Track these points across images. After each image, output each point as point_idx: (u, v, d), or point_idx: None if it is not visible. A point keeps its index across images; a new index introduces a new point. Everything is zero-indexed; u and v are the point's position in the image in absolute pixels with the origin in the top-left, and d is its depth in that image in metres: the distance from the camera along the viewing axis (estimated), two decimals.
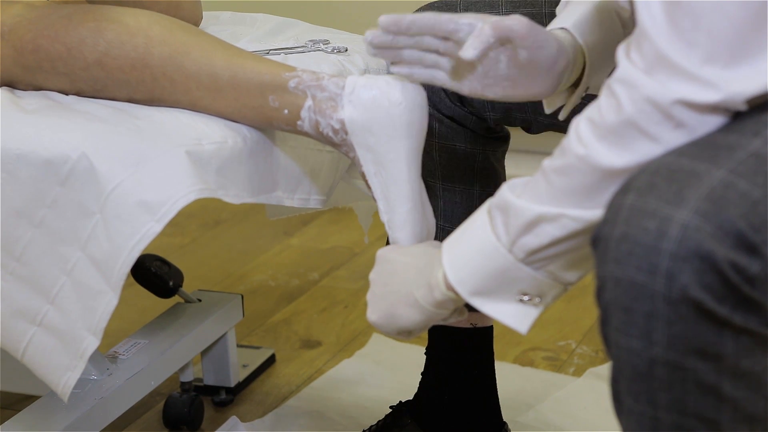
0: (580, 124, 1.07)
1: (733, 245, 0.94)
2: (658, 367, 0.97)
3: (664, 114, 1.01)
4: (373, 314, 1.28)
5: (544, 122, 1.62)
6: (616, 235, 0.97)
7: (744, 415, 0.98)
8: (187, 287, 1.94)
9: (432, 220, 1.39)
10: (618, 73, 1.04)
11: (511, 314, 1.17)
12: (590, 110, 1.06)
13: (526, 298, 1.16)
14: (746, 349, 0.96)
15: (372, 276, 1.29)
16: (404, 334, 1.27)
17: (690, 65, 0.99)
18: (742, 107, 1.01)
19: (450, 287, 1.18)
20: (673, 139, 1.01)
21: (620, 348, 0.98)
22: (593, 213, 1.07)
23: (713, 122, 1.01)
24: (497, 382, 1.68)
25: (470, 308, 1.22)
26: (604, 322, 0.99)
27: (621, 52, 1.04)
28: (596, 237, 0.99)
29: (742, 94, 0.99)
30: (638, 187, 0.98)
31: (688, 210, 0.95)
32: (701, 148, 0.99)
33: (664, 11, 1.00)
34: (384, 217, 1.36)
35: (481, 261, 1.15)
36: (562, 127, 1.48)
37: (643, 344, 0.96)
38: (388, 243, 1.41)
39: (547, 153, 1.12)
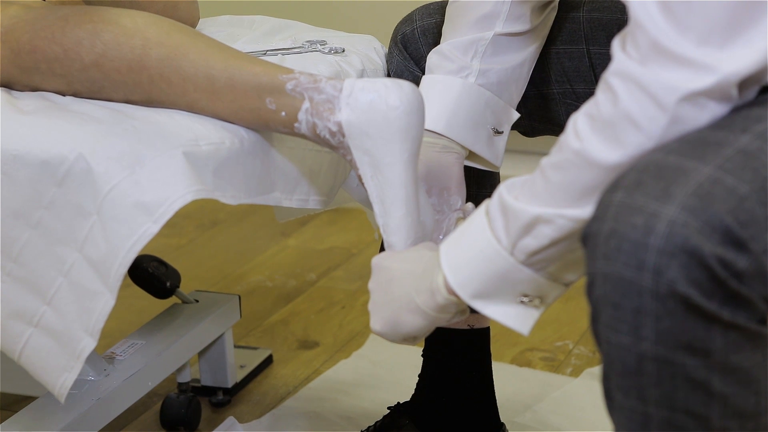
0: (578, 120, 1.07)
1: (720, 240, 0.94)
2: (647, 363, 0.97)
3: (659, 106, 1.01)
4: (376, 324, 1.27)
5: (539, 128, 1.63)
6: (605, 231, 0.97)
7: (734, 411, 0.98)
8: (185, 288, 1.94)
9: (430, 223, 1.39)
10: (613, 66, 1.05)
11: (512, 316, 1.17)
12: (588, 105, 1.07)
13: (526, 299, 1.16)
14: (735, 345, 0.96)
15: (371, 285, 1.29)
16: (409, 340, 1.27)
17: (684, 50, 1.00)
18: (735, 92, 1.01)
19: (451, 291, 1.18)
20: (666, 132, 1.02)
21: (610, 344, 0.99)
22: (589, 211, 1.07)
23: (706, 115, 1.02)
24: (495, 382, 1.68)
25: (470, 309, 1.22)
26: (594, 319, 1.00)
27: (616, 45, 1.05)
28: (586, 234, 1.00)
29: (737, 74, 1.00)
30: (626, 184, 0.98)
31: (675, 206, 0.95)
32: (690, 146, 1.00)
33: (657, 1, 1.00)
34: (380, 220, 1.36)
35: (481, 264, 1.15)
36: (557, 132, 1.49)
37: (632, 340, 0.97)
38: (381, 249, 1.41)
39: (544, 153, 1.12)
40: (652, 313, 0.95)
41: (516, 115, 1.53)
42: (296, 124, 1.36)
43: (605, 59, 1.49)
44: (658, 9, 1.01)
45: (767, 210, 0.96)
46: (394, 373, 2.03)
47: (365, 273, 1.32)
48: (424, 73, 1.57)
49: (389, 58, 1.64)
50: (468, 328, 1.63)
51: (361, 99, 1.34)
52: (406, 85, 1.34)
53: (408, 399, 1.70)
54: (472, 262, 1.16)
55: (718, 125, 1.02)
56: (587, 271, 0.99)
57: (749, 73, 1.01)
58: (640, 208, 0.96)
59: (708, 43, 1.00)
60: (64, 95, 1.43)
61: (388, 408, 1.71)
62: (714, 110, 1.02)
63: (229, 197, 1.37)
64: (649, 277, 0.95)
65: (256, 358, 2.06)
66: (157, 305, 1.96)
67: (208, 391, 1.96)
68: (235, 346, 2.01)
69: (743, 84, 1.02)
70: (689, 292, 0.94)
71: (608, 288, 0.97)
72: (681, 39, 1.00)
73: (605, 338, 0.99)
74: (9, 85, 1.45)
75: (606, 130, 1.04)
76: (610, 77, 1.05)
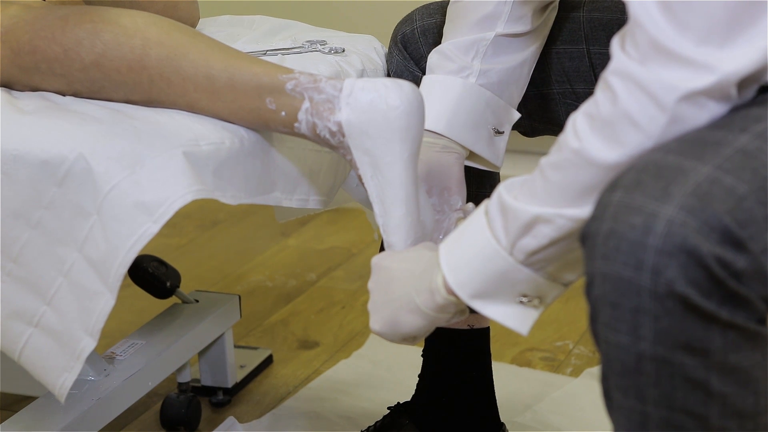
0: (577, 119, 1.08)
1: (718, 240, 0.94)
2: (645, 362, 0.97)
3: (658, 105, 1.01)
4: (375, 324, 1.27)
5: (539, 128, 1.63)
6: (604, 231, 0.97)
7: (733, 411, 0.98)
8: (185, 288, 1.94)
9: (429, 223, 1.39)
10: (613, 65, 1.05)
11: (511, 316, 1.17)
12: (587, 105, 1.07)
13: (525, 299, 1.16)
14: (734, 344, 0.96)
15: (370, 285, 1.29)
16: (409, 340, 1.27)
17: (684, 49, 1.00)
18: (734, 91, 1.01)
19: (450, 291, 1.18)
20: (666, 132, 1.02)
21: (609, 344, 0.99)
22: (588, 211, 1.07)
23: (706, 114, 1.02)
24: (495, 382, 1.68)
25: (470, 309, 1.22)
26: (593, 318, 1.00)
27: (615, 44, 1.05)
28: (585, 234, 1.00)
29: (736, 74, 1.00)
30: (625, 184, 0.98)
31: (673, 206, 0.95)
32: (689, 145, 1.00)
33: (656, 0, 1.01)
34: (379, 220, 1.36)
35: (480, 264, 1.15)
36: (557, 132, 1.49)
37: (631, 339, 0.97)
38: (381, 249, 1.41)
39: (544, 153, 1.12)
40: (651, 312, 0.95)
41: (517, 115, 1.53)
42: (296, 124, 1.36)
43: (605, 59, 1.49)
44: (658, 8, 1.01)
45: (766, 210, 0.96)
46: (394, 373, 2.03)
47: (365, 273, 1.32)
48: (423, 73, 1.57)
49: (389, 58, 1.64)
50: (468, 328, 1.63)
51: (361, 99, 1.34)
52: (406, 84, 1.34)
53: (408, 399, 1.70)
54: (472, 262, 1.16)
55: (717, 125, 1.02)
56: (586, 271, 0.99)
57: (749, 72, 1.01)
58: (638, 207, 0.96)
59: (708, 42, 1.00)
60: (64, 95, 1.43)
61: (388, 408, 1.71)
62: (713, 110, 1.02)
63: (229, 197, 1.37)
64: (648, 277, 0.95)
65: (256, 358, 2.06)
66: (157, 305, 1.96)
67: (208, 391, 1.96)
68: (235, 346, 2.01)
69: (742, 83, 1.02)
70: (688, 292, 0.94)
71: (607, 288, 0.97)
72: (680, 38, 1.00)
73: (604, 338, 0.99)
74: (9, 85, 1.45)
75: (605, 129, 1.04)
76: (609, 76, 1.05)
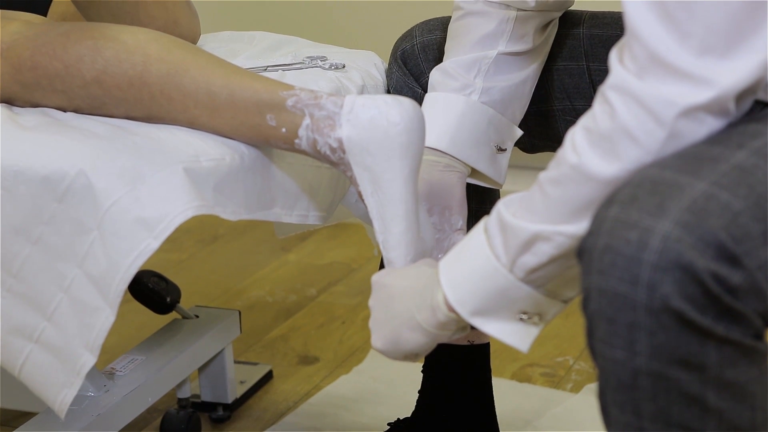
0: (576, 134, 1.08)
1: (714, 256, 0.94)
2: (641, 378, 0.97)
3: (657, 121, 1.01)
4: (377, 341, 1.27)
5: (539, 144, 1.63)
6: (600, 246, 0.97)
7: (729, 426, 0.98)
8: (185, 303, 1.94)
9: (429, 240, 1.39)
10: (611, 79, 1.05)
11: (511, 333, 1.17)
12: (585, 119, 1.07)
13: (525, 316, 1.16)
14: (730, 360, 0.96)
15: (371, 303, 1.29)
16: (411, 358, 1.27)
17: (683, 61, 1.00)
18: (732, 106, 1.01)
19: (451, 308, 1.18)
20: (664, 147, 1.02)
21: (605, 359, 0.99)
22: (585, 227, 1.07)
23: (705, 130, 1.02)
24: (495, 398, 1.68)
25: (471, 326, 1.22)
26: (590, 333, 1.00)
27: (614, 57, 1.05)
28: (581, 249, 1.00)
29: (735, 88, 1.00)
30: (621, 199, 0.99)
31: (669, 221, 0.95)
32: (686, 161, 1.00)
33: (656, 8, 1.00)
34: (379, 237, 1.36)
35: (480, 281, 1.15)
36: (557, 149, 1.49)
37: (627, 354, 0.97)
38: (381, 265, 1.41)
39: (544, 169, 1.12)
40: (646, 327, 0.95)
41: (519, 132, 1.53)
42: (297, 140, 1.37)
43: (606, 76, 1.49)
44: (658, 18, 1.00)
45: (761, 226, 0.96)
46: (394, 389, 2.02)
47: (365, 288, 1.32)
48: (423, 89, 1.57)
49: (389, 74, 1.64)
50: (468, 343, 1.63)
51: (362, 115, 1.34)
52: (406, 101, 1.35)
53: (408, 415, 1.69)
54: (471, 279, 1.16)
55: (714, 140, 1.02)
56: (582, 286, 0.99)
57: (747, 85, 1.01)
58: (634, 223, 0.96)
59: (708, 52, 0.99)
60: (65, 111, 1.44)
61: (389, 424, 1.70)
62: (712, 125, 1.02)
63: (230, 213, 1.37)
64: (643, 292, 0.95)
65: (256, 374, 2.06)
66: (157, 320, 1.96)
67: (208, 407, 1.96)
68: (235, 362, 2.01)
69: (739, 96, 1.02)
70: (683, 307, 0.94)
71: (603, 303, 0.97)
72: (680, 49, 1.00)
73: (600, 353, 0.99)
74: (10, 101, 1.45)
75: (603, 143, 1.04)
76: (607, 91, 1.05)
